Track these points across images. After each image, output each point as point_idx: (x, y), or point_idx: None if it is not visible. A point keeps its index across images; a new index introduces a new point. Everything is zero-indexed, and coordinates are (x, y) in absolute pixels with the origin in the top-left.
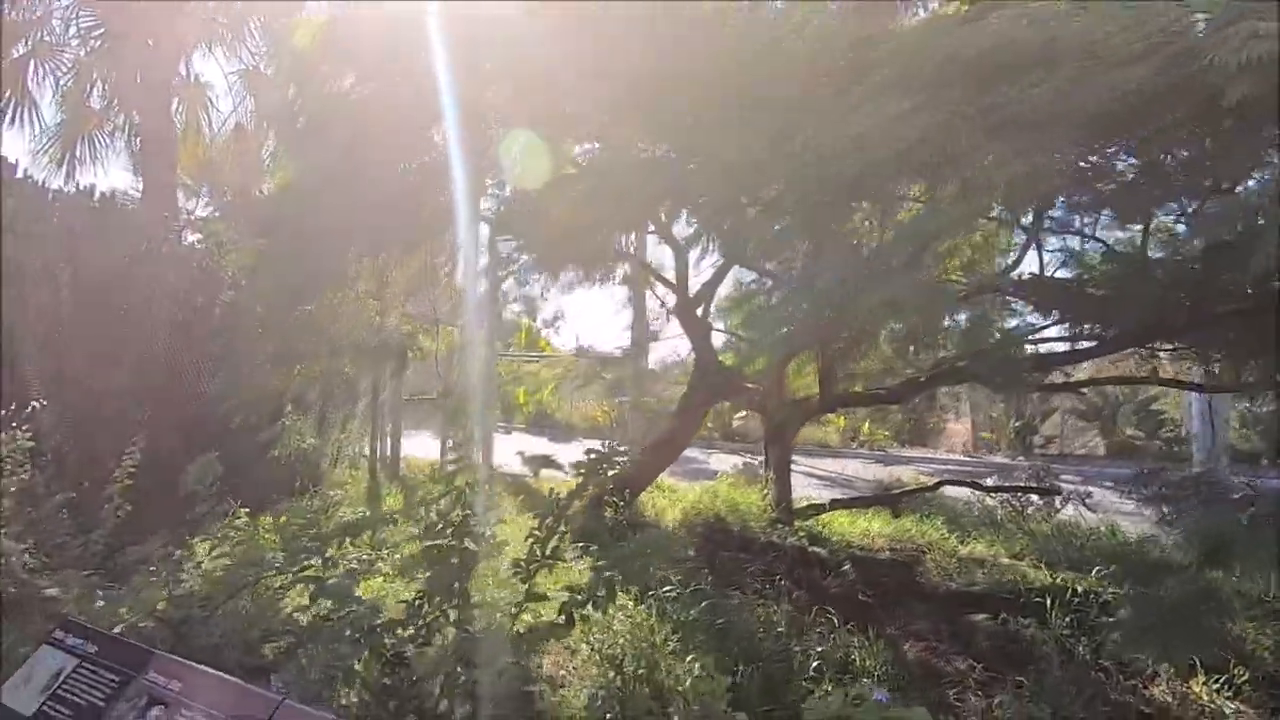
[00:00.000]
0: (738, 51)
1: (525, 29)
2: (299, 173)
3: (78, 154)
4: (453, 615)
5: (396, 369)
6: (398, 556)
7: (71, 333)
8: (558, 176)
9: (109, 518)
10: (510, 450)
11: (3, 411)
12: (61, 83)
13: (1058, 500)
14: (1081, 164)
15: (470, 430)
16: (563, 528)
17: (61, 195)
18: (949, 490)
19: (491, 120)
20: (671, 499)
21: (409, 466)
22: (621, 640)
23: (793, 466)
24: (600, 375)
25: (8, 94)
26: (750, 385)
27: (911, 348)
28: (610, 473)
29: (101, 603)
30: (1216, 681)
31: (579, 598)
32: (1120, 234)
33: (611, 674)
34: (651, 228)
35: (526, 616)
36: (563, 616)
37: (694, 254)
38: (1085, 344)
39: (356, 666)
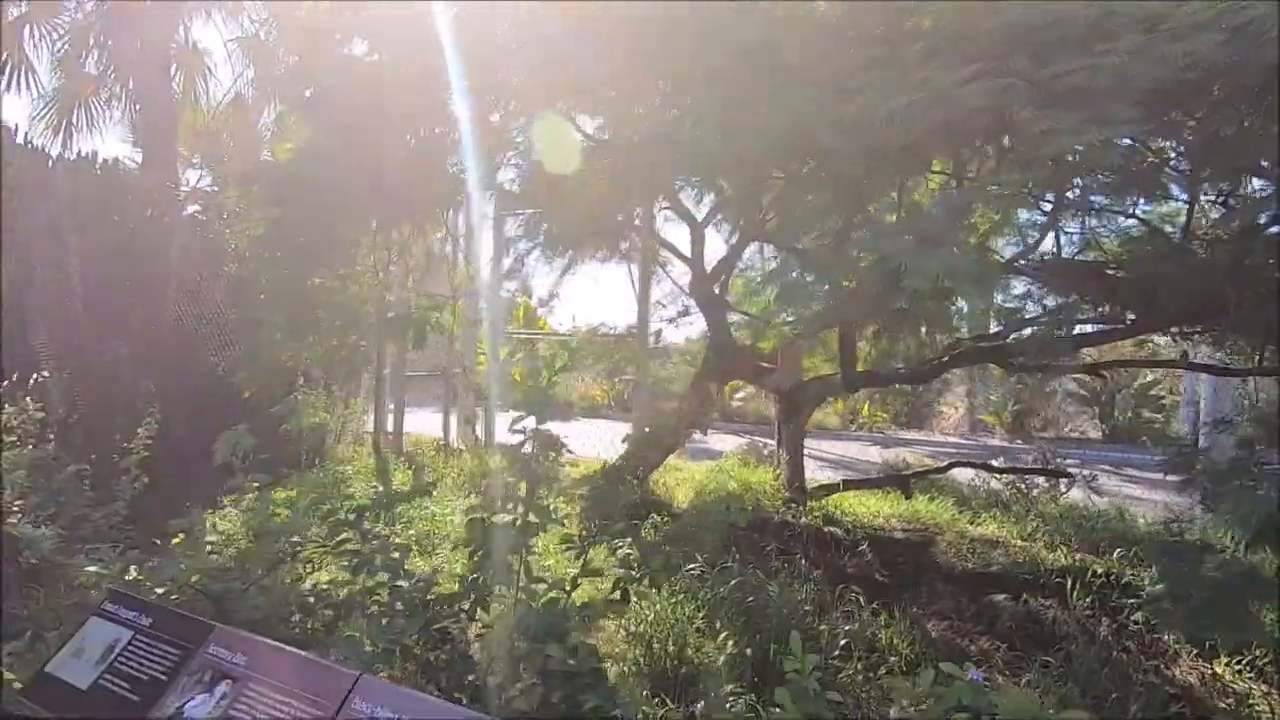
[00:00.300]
0: (770, 18)
1: None
2: (310, 141)
3: (74, 121)
4: (510, 589)
5: (418, 343)
6: (412, 532)
7: (76, 302)
8: (581, 149)
9: (127, 489)
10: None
11: (5, 382)
12: (57, 47)
13: (1062, 483)
14: (1135, 139)
15: (472, 407)
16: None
17: (64, 162)
18: (954, 471)
19: (510, 92)
20: (678, 478)
21: (412, 442)
22: (650, 617)
23: None
24: (612, 354)
25: (4, 57)
26: (766, 364)
27: (924, 328)
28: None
29: (134, 574)
30: (1239, 662)
31: (633, 574)
32: (1141, 214)
33: (640, 652)
34: (667, 204)
35: (579, 592)
36: (617, 592)
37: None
38: (1105, 326)
39: (409, 641)
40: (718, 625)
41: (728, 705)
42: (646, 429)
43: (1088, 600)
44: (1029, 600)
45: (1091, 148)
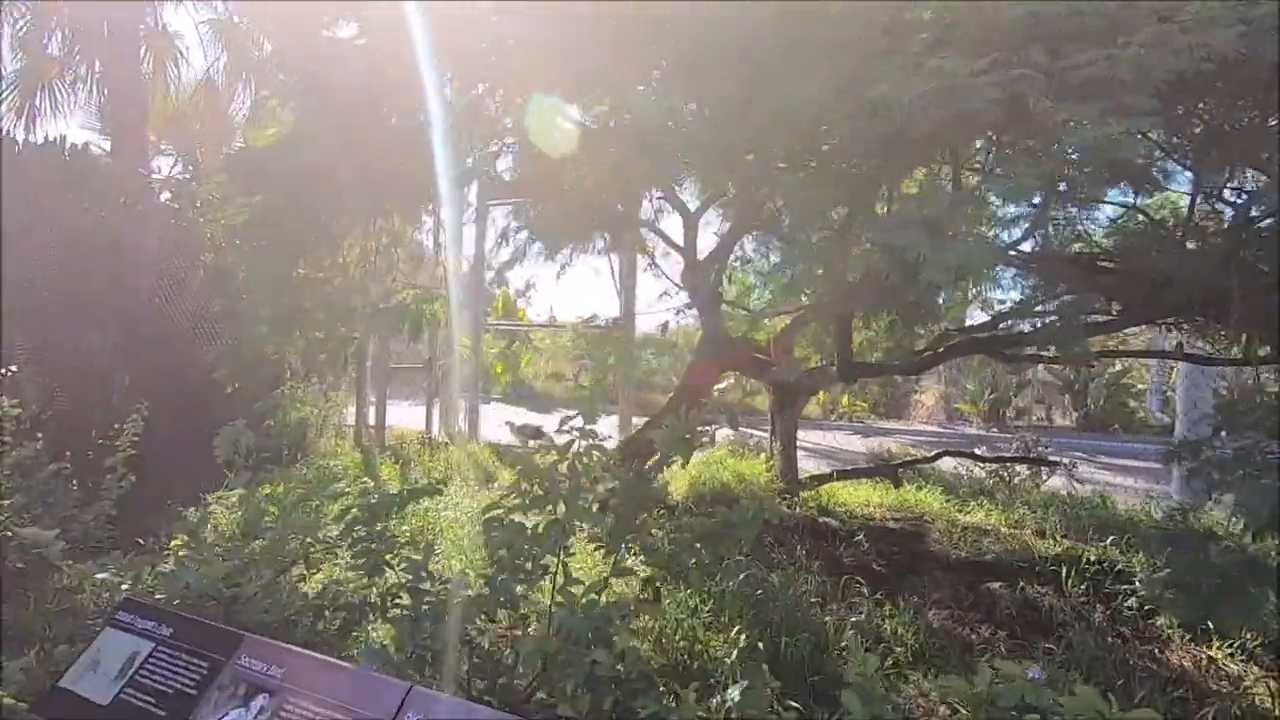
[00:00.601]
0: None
1: None
2: (295, 128)
3: (38, 105)
4: (532, 591)
5: (414, 335)
6: (405, 528)
7: (46, 293)
8: (580, 136)
9: (113, 488)
10: (491, 421)
11: None
12: (18, 26)
13: (1043, 471)
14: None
15: (454, 399)
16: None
17: (30, 146)
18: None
19: (506, 74)
20: (670, 470)
21: (395, 436)
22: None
23: None
24: (602, 346)
25: None
26: (759, 355)
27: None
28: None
29: (148, 581)
30: (1230, 647)
31: (663, 573)
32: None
33: (650, 647)
34: (660, 194)
35: (607, 593)
36: (647, 592)
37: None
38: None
39: (440, 647)
40: (725, 619)
41: (771, 707)
42: (666, 425)
43: (1082, 587)
44: (1025, 588)
45: (1112, 139)
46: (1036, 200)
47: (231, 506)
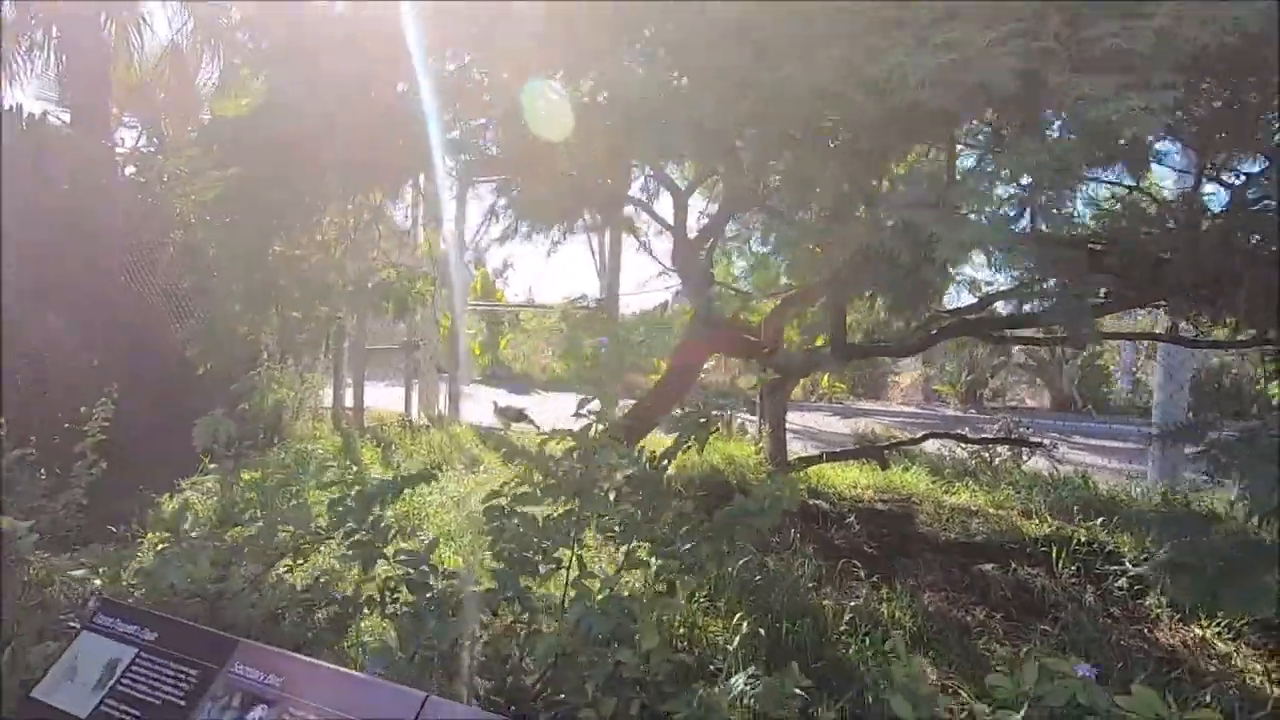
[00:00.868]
0: None
1: None
2: (270, 98)
3: None
4: (540, 584)
5: (399, 314)
6: (390, 515)
7: (3, 270)
8: (574, 110)
9: (82, 475)
10: (471, 402)
11: None
12: None
13: (1024, 452)
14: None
15: (433, 380)
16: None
17: None
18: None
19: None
20: (657, 450)
21: (374, 418)
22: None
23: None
24: (589, 326)
25: None
26: (750, 337)
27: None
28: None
29: (128, 579)
30: (1218, 626)
31: (678, 565)
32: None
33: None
34: (650, 171)
35: (620, 588)
36: (661, 584)
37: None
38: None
39: (447, 648)
40: (723, 605)
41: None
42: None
43: (1072, 568)
44: (1016, 569)
45: (1132, 114)
46: (1026, 180)
47: (207, 492)
